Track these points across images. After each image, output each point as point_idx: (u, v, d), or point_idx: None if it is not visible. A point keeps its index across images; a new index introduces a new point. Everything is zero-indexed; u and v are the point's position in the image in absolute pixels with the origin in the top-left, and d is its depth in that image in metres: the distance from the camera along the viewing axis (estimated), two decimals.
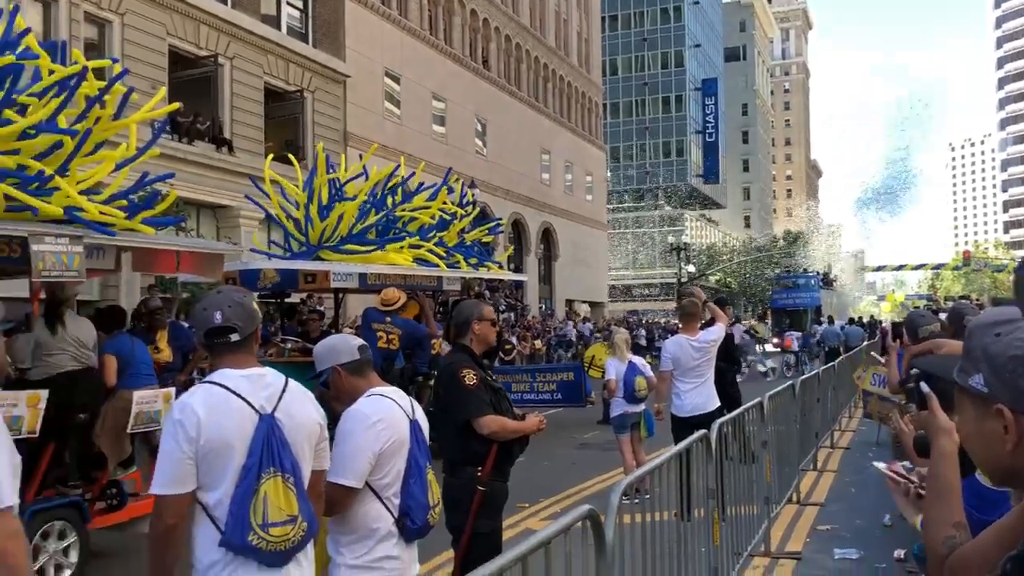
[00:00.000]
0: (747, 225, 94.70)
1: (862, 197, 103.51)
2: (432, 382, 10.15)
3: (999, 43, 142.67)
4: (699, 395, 7.50)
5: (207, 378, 2.66)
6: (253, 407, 2.60)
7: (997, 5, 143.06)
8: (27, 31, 5.97)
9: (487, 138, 36.28)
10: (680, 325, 8.05)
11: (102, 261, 6.26)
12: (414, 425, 3.22)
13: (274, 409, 2.63)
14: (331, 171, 10.91)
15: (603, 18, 58.78)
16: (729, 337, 10.65)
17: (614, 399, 8.98)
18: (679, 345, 7.60)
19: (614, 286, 60.91)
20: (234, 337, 2.66)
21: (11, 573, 2.29)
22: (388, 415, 3.13)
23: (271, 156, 11.97)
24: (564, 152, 44.30)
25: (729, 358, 10.32)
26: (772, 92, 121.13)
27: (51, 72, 5.96)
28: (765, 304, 51.89)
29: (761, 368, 24.41)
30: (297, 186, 10.99)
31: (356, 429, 3.06)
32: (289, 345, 10.50)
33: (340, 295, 12.13)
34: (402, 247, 11.17)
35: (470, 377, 4.12)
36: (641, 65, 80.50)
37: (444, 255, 12.07)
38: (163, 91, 7.20)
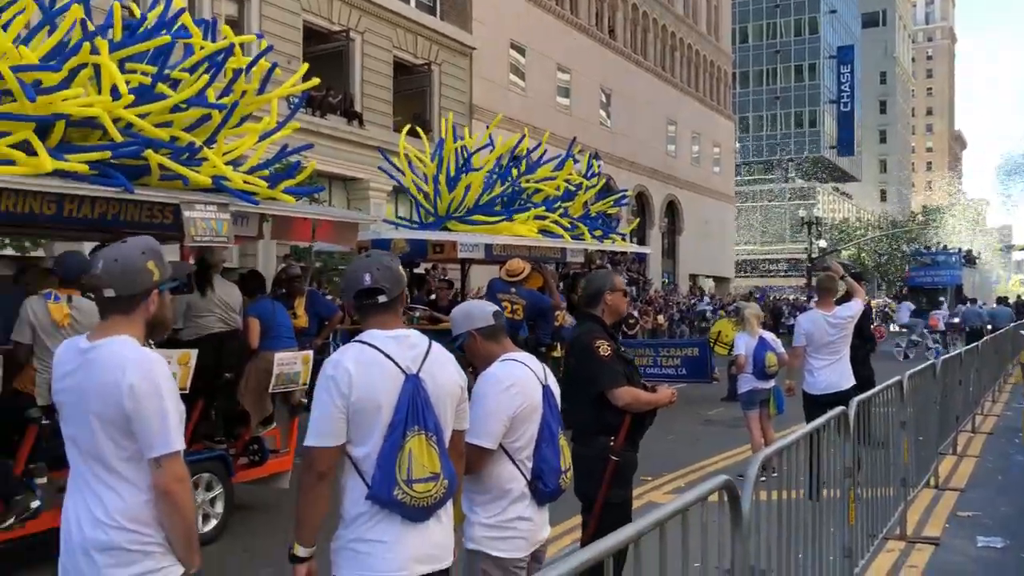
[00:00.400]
0: (883, 199, 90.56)
1: (1004, 166, 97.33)
2: (555, 353, 10.21)
3: None
4: (833, 373, 7.27)
5: (357, 337, 2.76)
6: (400, 367, 2.68)
7: None
8: (183, 10, 6.27)
9: (612, 109, 35.90)
10: (815, 300, 7.81)
11: (246, 228, 6.55)
12: (546, 390, 3.27)
13: (419, 369, 2.71)
14: (458, 141, 11.06)
15: None
16: (865, 314, 10.24)
17: (742, 375, 8.79)
18: (813, 321, 7.38)
19: (740, 261, 59.44)
20: (382, 298, 2.75)
21: (178, 512, 2.46)
22: (521, 380, 3.20)
23: (406, 129, 12.21)
24: (691, 123, 43.37)
25: (864, 336, 9.94)
26: (913, 59, 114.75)
27: (201, 48, 6.25)
28: (901, 282, 49.55)
29: (930, 346, 23.96)
30: (425, 159, 11.19)
31: (490, 392, 3.15)
32: (418, 314, 10.74)
33: (466, 265, 12.32)
34: (527, 218, 11.22)
35: (604, 348, 4.14)
36: (773, 32, 77.70)
37: (568, 226, 12.05)
38: (304, 67, 7.41)
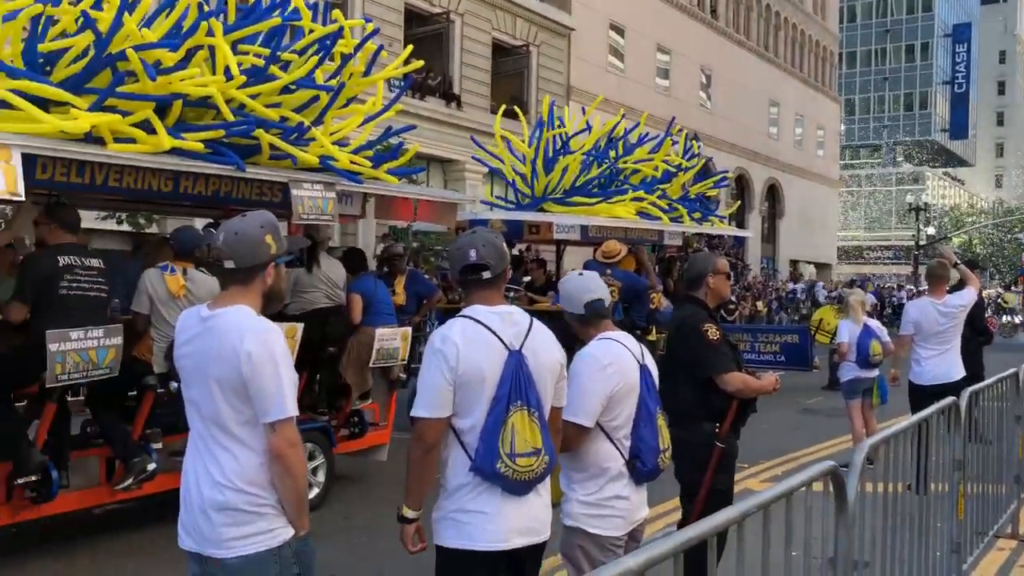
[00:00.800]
0: (998, 185, 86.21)
1: None
2: (651, 336, 10.12)
3: None
4: (942, 363, 7.01)
5: (462, 312, 2.82)
6: (503, 342, 2.74)
7: None
8: None
9: (712, 90, 35.20)
10: (926, 288, 7.54)
11: (350, 207, 6.72)
12: (644, 370, 3.28)
13: (521, 346, 2.76)
14: (556, 125, 11.03)
15: None
16: (979, 305, 9.81)
17: (845, 363, 8.57)
18: (922, 309, 7.13)
19: (843, 247, 57.63)
20: (486, 275, 2.80)
21: (290, 475, 2.56)
22: (618, 359, 3.21)
23: (501, 110, 12.25)
24: (794, 104, 42.15)
25: (976, 327, 9.50)
26: None
27: (311, 31, 6.41)
28: (1016, 271, 47.19)
29: None
30: (523, 140, 11.21)
31: (587, 371, 3.16)
32: (512, 294, 10.82)
33: (561, 246, 12.31)
34: (624, 200, 11.12)
35: (713, 332, 4.11)
36: (883, 10, 74.69)
37: (666, 208, 11.90)
38: (409, 49, 7.53)
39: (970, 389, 5.15)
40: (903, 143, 73.86)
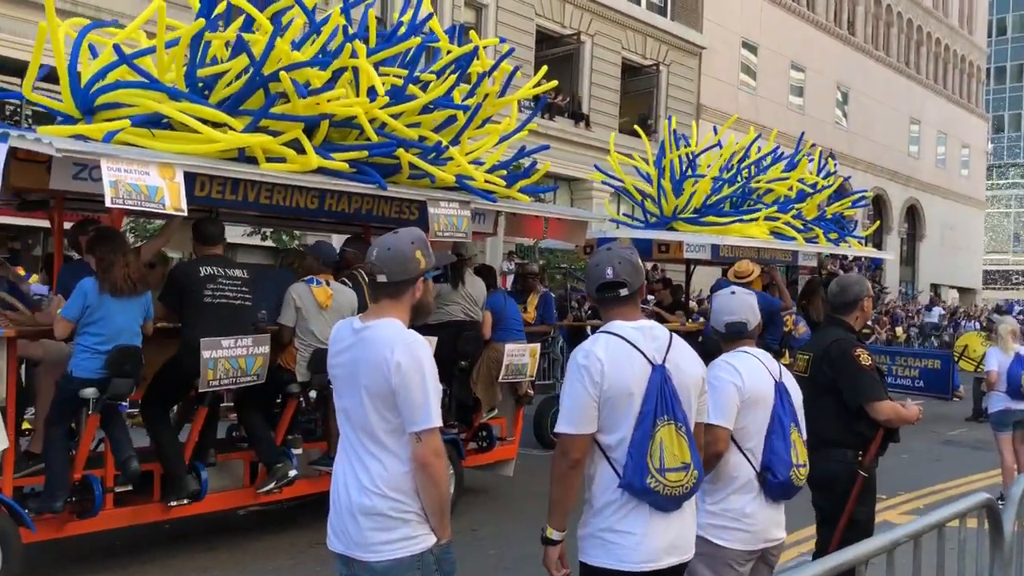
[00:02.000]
0: None
1: None
2: (784, 360, 9.86)
3: None
4: None
5: (603, 328, 2.84)
6: (647, 357, 2.74)
7: None
8: (430, 16, 6.66)
9: (848, 108, 34.05)
10: None
11: (483, 225, 6.88)
12: (780, 386, 3.28)
13: (664, 360, 2.75)
14: (681, 145, 10.91)
15: None
16: None
17: (994, 393, 8.09)
18: None
19: (989, 271, 54.43)
20: (623, 291, 2.80)
21: (434, 484, 2.64)
22: (750, 369, 3.24)
23: (613, 134, 12.28)
24: (936, 122, 40.23)
25: None
26: None
27: (448, 52, 6.61)
28: None
29: None
30: (647, 161, 11.14)
31: (720, 376, 3.21)
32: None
33: (691, 266, 12.16)
34: (757, 219, 10.90)
35: (865, 357, 4.05)
36: None
37: (801, 228, 11.59)
38: (543, 70, 7.65)
39: None
40: None
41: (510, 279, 12.53)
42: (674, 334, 2.88)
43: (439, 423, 2.64)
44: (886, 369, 12.07)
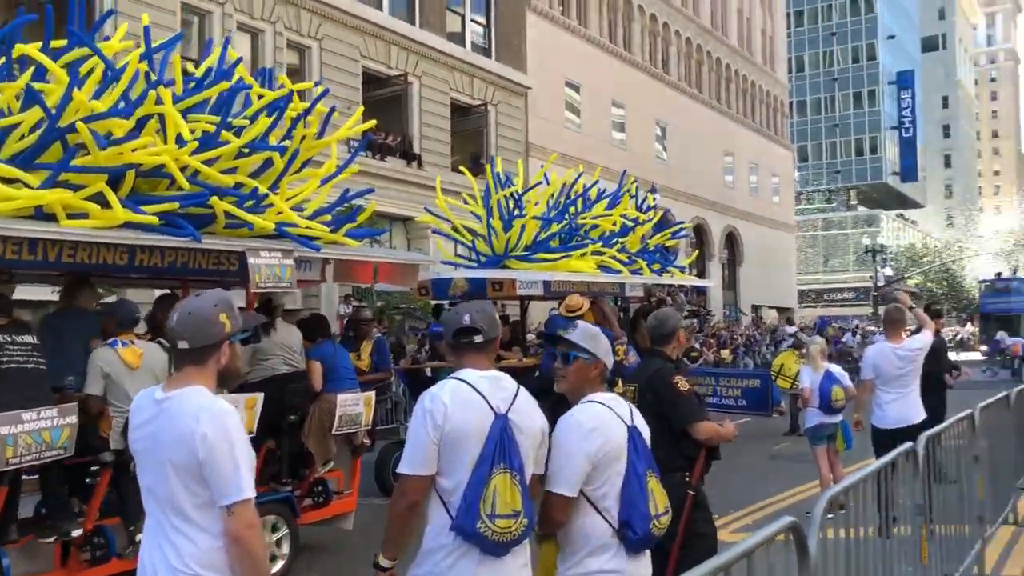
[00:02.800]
0: (950, 225, 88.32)
1: None
2: (617, 389, 10.13)
3: None
4: (903, 406, 7.11)
5: (453, 375, 2.90)
6: (491, 406, 2.81)
7: None
8: (238, 61, 6.49)
9: (668, 142, 35.87)
10: (883, 332, 7.67)
11: (309, 272, 6.70)
12: (632, 432, 3.11)
13: (508, 410, 2.83)
14: (507, 185, 11.12)
15: (788, 14, 56.71)
16: (940, 346, 9.98)
17: (808, 409, 8.64)
18: (882, 353, 7.24)
19: (804, 291, 58.44)
20: (478, 339, 2.90)
21: (249, 558, 2.51)
22: (603, 423, 3.05)
23: (439, 176, 12.42)
24: (748, 153, 43.06)
25: (938, 368, 9.64)
26: (976, 82, 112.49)
27: (260, 97, 6.45)
28: (972, 309, 48.13)
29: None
30: (477, 200, 11.29)
31: (570, 438, 3.01)
32: None
33: (525, 302, 12.36)
34: (585, 254, 11.23)
35: (683, 384, 4.30)
36: (830, 60, 76.95)
37: (626, 261, 12.02)
38: (360, 110, 7.60)
39: (927, 433, 5.22)
40: (856, 187, 75.55)
41: None
42: (522, 387, 2.94)
43: (251, 494, 2.53)
44: (711, 391, 12.65)
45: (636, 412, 3.23)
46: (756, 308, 43.02)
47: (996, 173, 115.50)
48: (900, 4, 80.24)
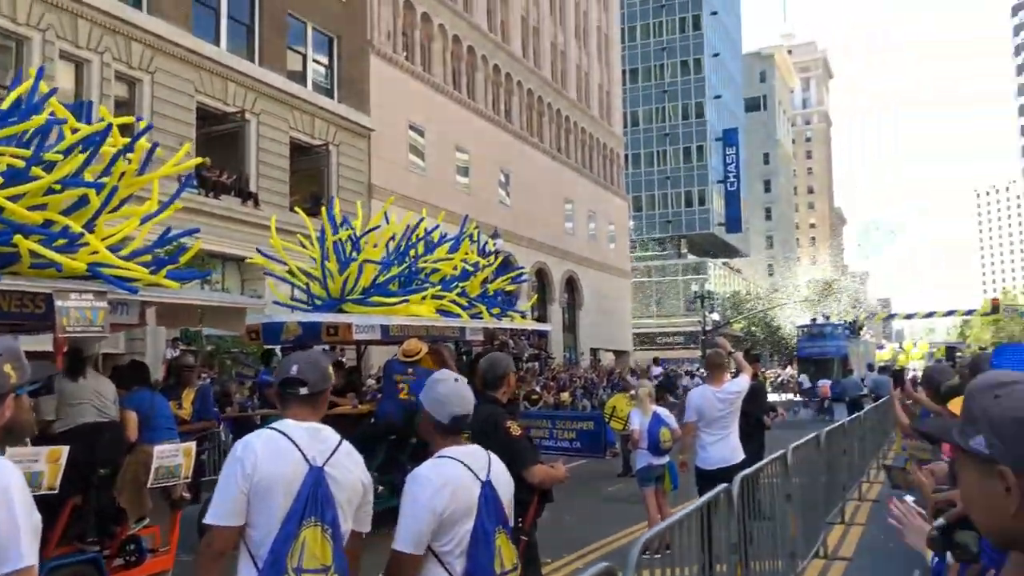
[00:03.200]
0: (770, 273, 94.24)
1: (861, 229, 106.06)
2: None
3: (1020, 91, 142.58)
4: (724, 447, 7.41)
5: (271, 424, 2.85)
6: (306, 457, 2.75)
7: (1017, 53, 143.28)
8: (52, 92, 6.11)
9: (510, 188, 36.57)
10: (705, 375, 8.02)
11: (126, 316, 6.32)
12: (486, 487, 3.03)
13: (325, 463, 2.77)
14: (344, 227, 10.98)
15: (624, 71, 59.51)
16: (759, 389, 10.52)
17: (638, 451, 8.88)
18: (703, 396, 7.53)
19: (639, 334, 60.60)
20: (303, 390, 2.86)
21: None
22: (453, 480, 2.96)
23: (274, 216, 12.13)
24: (587, 202, 44.52)
25: (757, 410, 10.16)
26: (794, 141, 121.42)
27: (75, 131, 6.08)
28: (791, 352, 51.36)
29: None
30: (312, 241, 11.07)
31: (419, 495, 2.92)
32: None
33: (363, 347, 12.16)
34: (424, 298, 11.19)
35: (515, 428, 4.31)
36: (662, 116, 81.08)
37: (466, 305, 12.07)
38: (187, 146, 7.31)
39: (742, 473, 5.46)
40: (686, 236, 79.48)
41: None
42: (345, 442, 2.89)
43: (32, 561, 2.29)
44: (548, 433, 12.82)
45: (495, 463, 3.14)
46: (594, 351, 44.22)
47: (812, 226, 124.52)
48: (725, 66, 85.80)
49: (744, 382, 7.70)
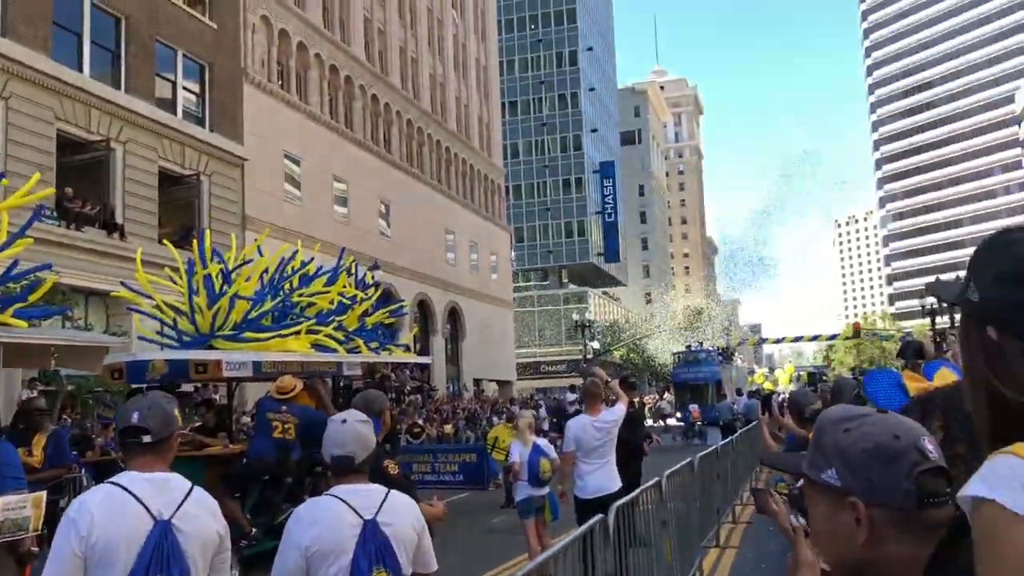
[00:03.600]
0: (648, 302, 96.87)
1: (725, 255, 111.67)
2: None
3: (874, 127, 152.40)
4: (602, 476, 7.48)
5: (110, 479, 2.68)
6: (150, 512, 2.60)
7: (871, 92, 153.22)
8: None
9: (391, 219, 36.33)
10: (583, 405, 8.07)
11: None
12: (369, 526, 2.98)
13: (172, 515, 2.63)
14: (215, 260, 10.61)
15: (503, 104, 60.31)
16: (636, 416, 10.70)
17: (518, 482, 8.85)
18: (582, 426, 7.59)
19: (522, 364, 61.03)
20: (146, 439, 2.72)
21: None
22: (325, 517, 2.95)
23: (140, 248, 11.64)
24: (468, 232, 44.69)
25: (635, 437, 10.34)
26: (667, 174, 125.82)
27: None
28: (668, 379, 52.76)
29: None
30: (180, 275, 10.63)
31: (291, 531, 2.95)
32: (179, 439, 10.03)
33: (235, 384, 11.74)
34: (299, 332, 10.89)
35: (393, 468, 4.17)
36: (541, 148, 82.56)
37: (344, 339, 11.82)
38: (36, 176, 6.91)
39: (618, 502, 5.51)
40: (567, 266, 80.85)
41: None
42: (195, 489, 2.76)
43: None
44: (430, 467, 12.71)
45: (390, 502, 3.08)
46: (478, 382, 44.22)
47: (686, 255, 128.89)
48: (602, 101, 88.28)
49: (620, 410, 7.81)
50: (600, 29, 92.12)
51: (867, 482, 1.32)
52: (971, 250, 1.39)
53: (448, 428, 26.71)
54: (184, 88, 24.28)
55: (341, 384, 13.19)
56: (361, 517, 2.99)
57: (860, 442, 1.35)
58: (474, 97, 47.75)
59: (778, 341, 70.81)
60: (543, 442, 9.12)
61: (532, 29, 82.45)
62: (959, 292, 1.32)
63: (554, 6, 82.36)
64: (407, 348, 16.55)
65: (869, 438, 1.35)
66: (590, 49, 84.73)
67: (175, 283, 10.69)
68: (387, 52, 37.58)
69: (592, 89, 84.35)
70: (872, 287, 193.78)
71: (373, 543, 2.99)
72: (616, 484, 7.49)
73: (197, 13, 24.63)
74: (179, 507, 2.65)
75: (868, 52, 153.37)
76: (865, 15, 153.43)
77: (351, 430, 3.10)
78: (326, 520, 2.96)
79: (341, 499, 3.00)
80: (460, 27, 46.65)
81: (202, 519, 2.71)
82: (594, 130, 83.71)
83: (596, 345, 54.79)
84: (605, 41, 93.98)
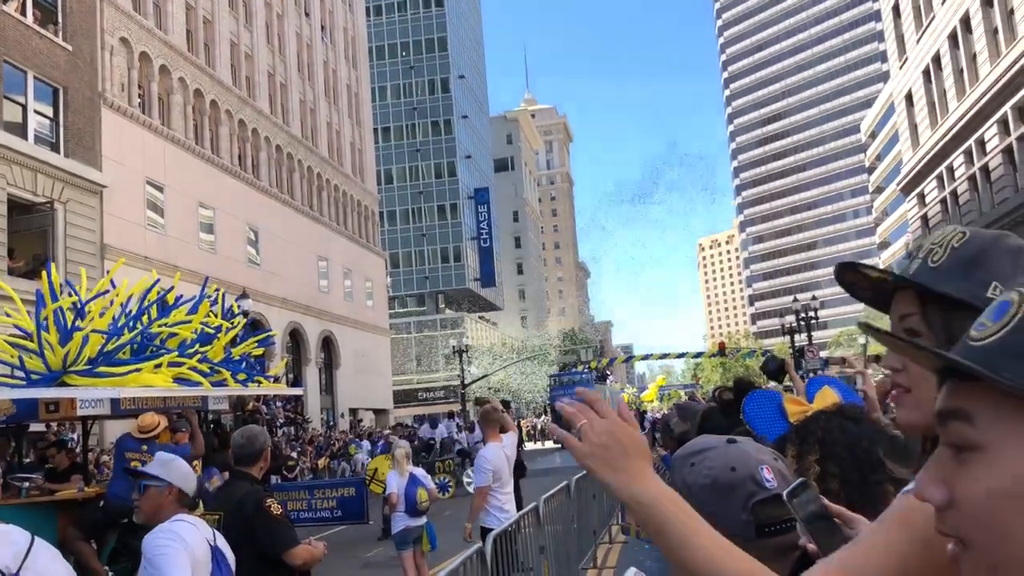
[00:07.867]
0: (524, 325, 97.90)
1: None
2: (195, 512, 9.35)
3: (733, 155, 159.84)
4: (512, 503, 7.12)
5: None
6: None
7: (730, 121, 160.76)
8: None
9: (260, 247, 35.35)
10: (484, 434, 7.66)
11: None
12: (216, 552, 3.27)
13: (19, 568, 2.43)
14: (66, 293, 10.00)
15: (376, 130, 60.00)
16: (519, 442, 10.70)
17: (396, 513, 8.69)
18: (498, 456, 7.01)
19: (399, 391, 60.34)
20: None
21: None
22: (192, 537, 3.22)
23: None
24: (342, 259, 44.00)
25: (520, 461, 10.34)
26: (540, 199, 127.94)
27: None
28: (545, 402, 53.28)
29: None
30: (21, 311, 9.98)
31: (170, 543, 3.14)
32: (27, 484, 9.36)
33: (90, 423, 11.08)
34: (160, 365, 10.37)
35: (275, 507, 4.10)
36: (416, 175, 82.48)
37: (208, 372, 11.34)
38: None
39: (495, 531, 5.46)
40: (443, 292, 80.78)
41: None
42: (36, 539, 2.55)
43: None
44: (306, 505, 12.31)
45: (220, 536, 3.38)
46: (354, 411, 43.39)
47: (560, 279, 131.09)
48: (475, 128, 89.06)
49: (515, 436, 7.72)
50: (471, 57, 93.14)
51: (711, 516, 1.32)
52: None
53: (323, 461, 26.08)
54: (36, 112, 22.96)
55: (209, 419, 12.65)
56: (208, 543, 3.29)
57: (701, 477, 1.41)
58: (346, 123, 47.25)
59: (645, 357, 72.49)
60: (420, 471, 9.01)
61: (404, 56, 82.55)
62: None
63: (425, 34, 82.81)
64: (276, 379, 16.05)
65: (708, 473, 1.40)
66: (462, 77, 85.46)
67: (16, 318, 10.02)
68: (255, 76, 36.74)
69: (465, 116, 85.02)
70: (735, 307, 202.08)
71: (226, 570, 3.33)
72: (515, 510, 7.36)
73: (49, 34, 23.40)
74: (25, 558, 2.44)
75: (727, 83, 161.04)
76: (723, 48, 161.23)
77: (184, 465, 3.44)
78: (192, 539, 3.21)
79: (191, 523, 3.35)
80: (331, 53, 46.16)
81: (51, 567, 2.52)
82: (468, 157, 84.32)
83: (474, 370, 54.78)
84: (477, 69, 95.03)
